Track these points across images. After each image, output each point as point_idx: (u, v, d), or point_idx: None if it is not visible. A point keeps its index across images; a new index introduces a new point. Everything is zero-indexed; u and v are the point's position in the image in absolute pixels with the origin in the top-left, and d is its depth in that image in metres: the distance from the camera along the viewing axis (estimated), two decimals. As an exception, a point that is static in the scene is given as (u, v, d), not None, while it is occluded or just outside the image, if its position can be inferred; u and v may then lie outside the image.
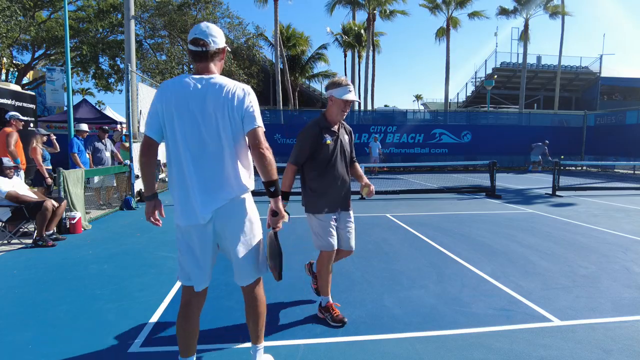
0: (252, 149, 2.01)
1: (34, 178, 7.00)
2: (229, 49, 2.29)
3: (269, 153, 1.97)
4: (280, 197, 2.09)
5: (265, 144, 1.98)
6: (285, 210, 2.23)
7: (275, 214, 2.12)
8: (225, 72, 18.60)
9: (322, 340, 2.78)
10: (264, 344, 2.31)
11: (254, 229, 2.14)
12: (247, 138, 2.03)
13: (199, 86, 1.98)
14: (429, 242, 5.48)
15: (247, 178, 2.09)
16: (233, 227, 2.06)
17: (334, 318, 3.00)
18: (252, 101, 2.01)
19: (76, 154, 7.63)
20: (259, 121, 2.01)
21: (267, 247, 2.31)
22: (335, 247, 2.97)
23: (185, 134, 1.98)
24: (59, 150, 7.75)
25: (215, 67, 2.07)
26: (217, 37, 2.04)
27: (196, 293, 2.14)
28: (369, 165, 13.63)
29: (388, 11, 27.00)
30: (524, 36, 26.37)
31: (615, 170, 19.03)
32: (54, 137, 7.67)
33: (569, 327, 2.96)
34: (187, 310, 2.16)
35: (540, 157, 18.39)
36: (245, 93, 2.01)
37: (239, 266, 2.11)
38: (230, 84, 2.01)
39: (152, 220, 2.14)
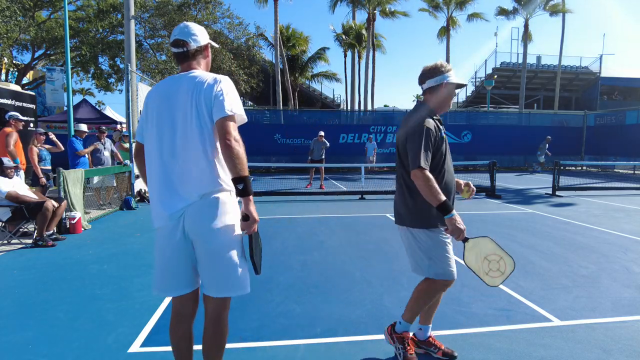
0: (219, 140, 1.80)
1: (33, 178, 7.00)
2: (215, 44, 2.22)
3: (237, 145, 1.75)
4: (251, 197, 1.78)
5: (233, 134, 1.76)
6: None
7: (246, 217, 1.78)
8: (225, 72, 18.60)
9: (322, 340, 2.78)
10: None
11: (229, 233, 1.85)
12: (216, 128, 1.83)
13: (175, 82, 1.92)
14: (429, 242, 5.47)
15: (224, 175, 1.88)
16: (203, 228, 1.82)
17: (445, 352, 2.53)
18: (222, 89, 1.84)
19: (81, 151, 7.69)
20: (230, 109, 1.80)
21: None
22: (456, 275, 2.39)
23: (160, 133, 1.90)
24: (63, 149, 7.74)
25: (199, 65, 2.00)
26: (198, 36, 1.98)
27: (184, 300, 1.96)
28: (367, 165, 13.64)
29: (389, 11, 26.99)
30: (524, 37, 26.36)
31: (615, 170, 19.02)
32: (53, 135, 7.64)
33: (568, 327, 2.96)
34: (178, 321, 1.99)
35: (544, 156, 17.76)
36: (216, 81, 1.86)
37: (207, 272, 1.86)
38: (203, 74, 1.90)
39: None
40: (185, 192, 1.85)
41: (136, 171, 8.83)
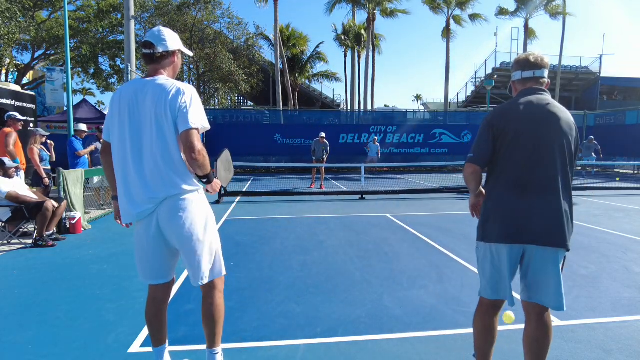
0: (184, 152, 1.97)
1: (33, 178, 6.99)
2: (189, 52, 2.29)
3: (200, 157, 1.93)
4: (215, 180, 2.13)
5: (197, 147, 1.91)
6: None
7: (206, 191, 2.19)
8: (225, 72, 18.62)
9: (322, 340, 2.77)
10: (221, 347, 2.25)
11: (201, 229, 2.06)
12: (180, 139, 1.97)
13: (142, 87, 2.01)
14: (429, 242, 5.48)
15: (188, 178, 2.04)
16: (176, 227, 2.01)
17: None
18: (186, 100, 1.95)
19: (80, 151, 7.66)
20: (194, 122, 1.93)
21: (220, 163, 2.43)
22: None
23: (125, 133, 2.01)
24: (54, 159, 7.67)
25: (164, 70, 2.09)
26: (167, 41, 2.07)
27: (158, 287, 2.21)
28: (368, 165, 13.65)
29: (389, 10, 26.97)
30: (525, 37, 26.38)
31: (615, 170, 19.01)
32: (52, 143, 7.59)
33: (568, 327, 2.96)
34: (152, 304, 2.24)
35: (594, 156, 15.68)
36: (180, 92, 1.96)
37: (188, 266, 2.10)
38: (168, 83, 1.99)
39: (119, 221, 2.21)
40: (153, 194, 1.99)
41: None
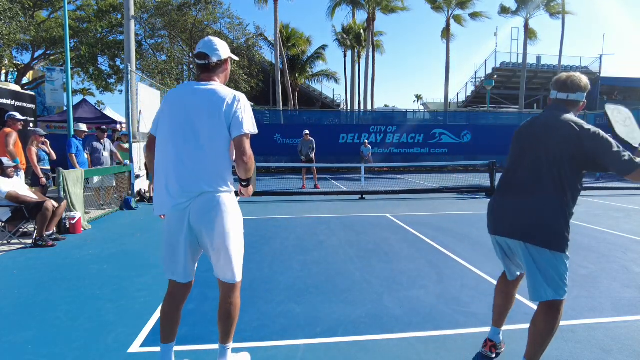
0: (236, 155, 2.09)
1: (32, 178, 6.99)
2: (235, 57, 2.38)
3: (249, 161, 2.07)
4: (250, 186, 2.28)
5: (248, 152, 2.06)
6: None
7: (241, 193, 2.32)
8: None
9: (322, 340, 2.77)
10: (232, 345, 2.35)
11: (233, 227, 2.14)
12: (233, 143, 2.10)
13: (195, 90, 2.13)
14: (429, 242, 5.48)
15: (226, 179, 2.15)
16: (207, 223, 2.08)
17: None
18: (240, 108, 2.09)
19: (74, 155, 7.61)
20: (247, 128, 2.08)
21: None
22: None
23: (172, 131, 2.12)
24: (55, 158, 7.65)
25: (217, 77, 2.23)
26: (220, 51, 2.19)
27: (179, 285, 2.24)
28: (367, 165, 13.66)
29: (390, 7, 26.94)
30: (525, 36, 26.38)
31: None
32: (46, 141, 7.55)
33: (568, 327, 2.96)
34: (170, 300, 2.26)
35: None
36: (236, 100, 2.10)
37: (214, 262, 2.18)
38: (225, 91, 2.12)
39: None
40: (190, 188, 2.08)
41: (136, 171, 8.84)
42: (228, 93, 2.11)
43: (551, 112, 2.26)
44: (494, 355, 2.53)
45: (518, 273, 2.49)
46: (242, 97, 2.14)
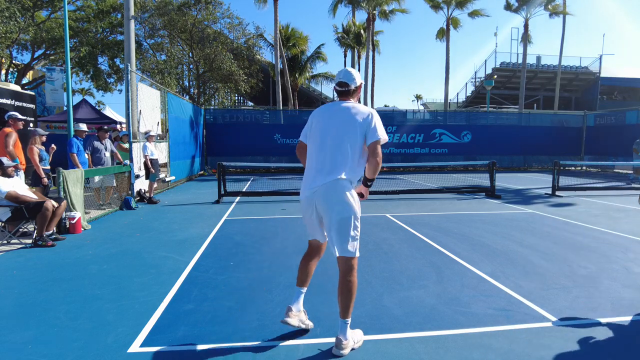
0: (369, 156, 2.66)
1: (33, 178, 6.99)
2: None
3: (380, 162, 2.64)
4: (368, 187, 2.79)
5: (380, 155, 2.64)
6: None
7: (361, 195, 2.82)
8: (226, 72, 18.64)
9: (322, 340, 2.78)
10: (349, 319, 2.65)
11: (347, 210, 2.59)
12: (368, 147, 2.67)
13: (341, 109, 2.74)
14: (429, 242, 5.48)
15: (354, 175, 2.67)
16: (327, 203, 2.61)
17: None
18: (375, 121, 2.67)
19: (75, 154, 7.61)
20: (381, 135, 2.64)
21: None
22: None
23: (320, 137, 2.73)
24: (51, 160, 7.61)
25: (353, 98, 2.84)
26: (356, 79, 2.80)
27: (315, 243, 2.91)
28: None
29: (387, 11, 26.97)
30: (524, 36, 26.38)
31: (615, 170, 19.02)
32: (54, 147, 7.52)
33: (568, 327, 2.96)
34: (309, 254, 2.93)
35: None
36: (371, 115, 2.69)
37: (329, 239, 2.67)
38: (363, 109, 2.72)
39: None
40: (325, 178, 2.63)
41: (136, 171, 8.84)
42: (365, 111, 2.70)
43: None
44: None
45: None
46: (374, 112, 2.71)
